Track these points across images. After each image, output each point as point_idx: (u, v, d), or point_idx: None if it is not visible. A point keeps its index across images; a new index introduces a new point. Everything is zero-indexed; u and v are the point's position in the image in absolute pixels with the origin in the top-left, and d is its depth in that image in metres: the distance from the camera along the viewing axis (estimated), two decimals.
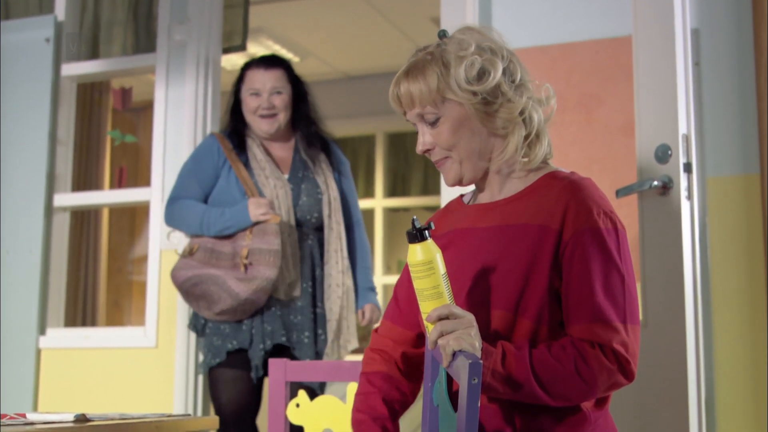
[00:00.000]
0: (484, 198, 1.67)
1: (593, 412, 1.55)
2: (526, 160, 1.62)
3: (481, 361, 1.35)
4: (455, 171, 1.63)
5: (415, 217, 1.48)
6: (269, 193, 2.95)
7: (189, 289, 2.93)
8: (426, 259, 1.46)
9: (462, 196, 1.76)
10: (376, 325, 1.80)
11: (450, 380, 1.50)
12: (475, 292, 1.55)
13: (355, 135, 6.46)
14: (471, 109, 1.58)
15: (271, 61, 3.08)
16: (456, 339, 1.41)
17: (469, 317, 1.45)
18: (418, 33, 5.32)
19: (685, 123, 2.46)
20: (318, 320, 2.94)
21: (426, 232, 1.48)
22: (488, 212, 1.63)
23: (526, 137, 1.60)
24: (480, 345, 1.43)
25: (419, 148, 1.65)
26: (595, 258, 1.50)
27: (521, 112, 1.59)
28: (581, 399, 1.50)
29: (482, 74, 1.57)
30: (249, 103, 3.03)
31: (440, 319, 1.44)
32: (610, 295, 1.49)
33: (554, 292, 1.51)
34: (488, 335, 1.50)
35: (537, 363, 1.46)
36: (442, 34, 1.64)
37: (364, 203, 5.63)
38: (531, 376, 1.45)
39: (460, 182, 1.65)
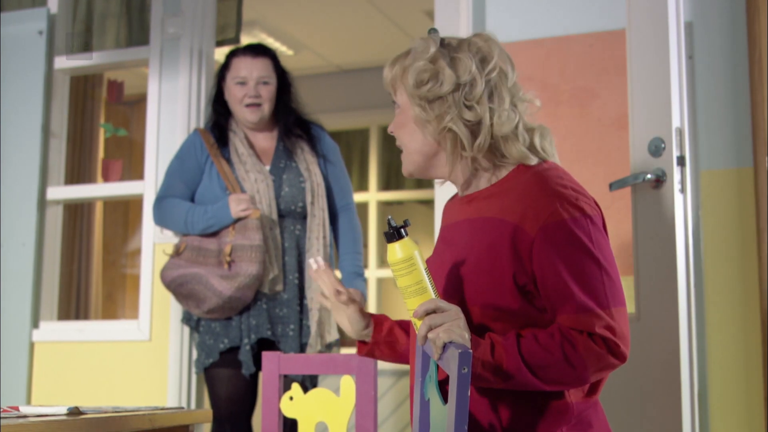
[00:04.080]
0: (461, 192, 1.70)
1: (579, 403, 1.55)
2: (497, 161, 1.63)
3: (471, 351, 1.35)
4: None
5: (390, 216, 1.50)
6: (250, 188, 2.93)
7: (176, 289, 2.93)
8: (405, 256, 1.47)
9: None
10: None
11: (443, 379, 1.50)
12: (448, 285, 1.57)
13: (349, 128, 6.44)
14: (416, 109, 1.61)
15: (258, 50, 3.05)
16: (445, 331, 1.42)
17: (456, 309, 1.46)
18: (413, 26, 5.31)
19: (678, 116, 2.46)
20: (305, 311, 2.93)
21: (402, 230, 1.48)
22: (464, 206, 1.65)
23: (481, 139, 1.59)
24: (469, 336, 1.44)
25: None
26: (565, 251, 1.50)
27: (448, 128, 1.59)
28: (575, 383, 1.51)
29: (427, 82, 1.59)
30: (235, 93, 2.99)
31: (428, 313, 1.45)
32: (587, 285, 1.49)
33: (521, 288, 1.52)
34: None
35: (526, 352, 1.47)
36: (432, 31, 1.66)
37: (357, 197, 5.62)
38: (522, 364, 1.46)
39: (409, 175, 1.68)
